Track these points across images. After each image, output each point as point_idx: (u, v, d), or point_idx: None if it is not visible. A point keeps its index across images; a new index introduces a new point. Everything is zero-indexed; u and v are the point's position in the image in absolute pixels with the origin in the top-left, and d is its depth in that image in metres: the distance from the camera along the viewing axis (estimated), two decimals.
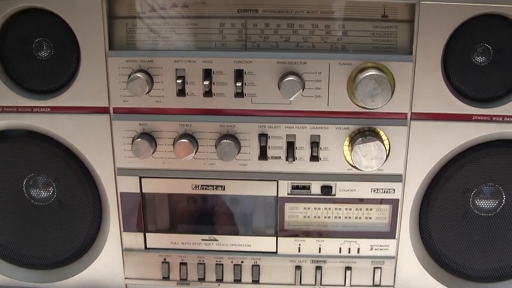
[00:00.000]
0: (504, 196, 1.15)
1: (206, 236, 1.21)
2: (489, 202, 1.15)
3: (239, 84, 1.09)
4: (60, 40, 1.10)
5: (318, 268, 1.21)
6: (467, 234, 1.17)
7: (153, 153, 1.13)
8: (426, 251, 1.20)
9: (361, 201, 1.16)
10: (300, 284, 1.22)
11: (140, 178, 1.17)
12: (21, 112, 1.14)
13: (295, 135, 1.12)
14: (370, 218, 1.18)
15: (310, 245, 1.20)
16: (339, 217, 1.18)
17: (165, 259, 1.23)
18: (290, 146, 1.13)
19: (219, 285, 1.24)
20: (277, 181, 1.16)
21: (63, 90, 1.13)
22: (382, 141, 1.08)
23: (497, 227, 1.16)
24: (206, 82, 1.09)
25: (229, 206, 1.20)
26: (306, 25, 1.09)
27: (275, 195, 1.17)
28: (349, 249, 1.20)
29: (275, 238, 1.21)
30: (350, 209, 1.17)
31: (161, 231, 1.22)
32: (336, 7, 1.08)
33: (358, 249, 1.20)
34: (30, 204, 1.21)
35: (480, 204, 1.16)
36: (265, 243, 1.21)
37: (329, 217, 1.18)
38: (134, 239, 1.22)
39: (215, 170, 1.15)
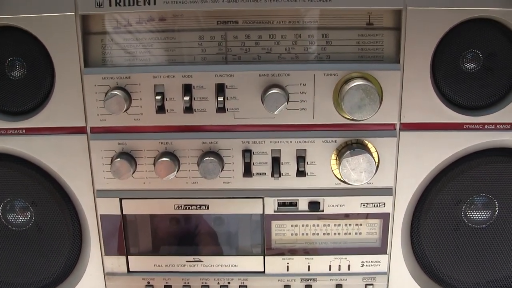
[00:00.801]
0: (497, 207, 1.09)
1: (190, 258, 1.15)
2: (481, 213, 1.09)
3: (220, 98, 1.03)
4: (33, 58, 1.03)
5: (308, 286, 1.15)
6: (460, 247, 1.11)
7: (133, 173, 1.06)
8: (418, 266, 1.14)
9: (347, 216, 1.10)
10: None
11: (121, 199, 1.10)
12: None
13: (280, 150, 1.06)
14: (360, 233, 1.12)
15: (298, 264, 1.14)
16: (328, 234, 1.12)
17: (148, 282, 1.16)
18: (276, 162, 1.06)
19: None
20: (263, 198, 1.09)
21: (37, 110, 1.06)
22: (371, 154, 1.02)
23: (491, 239, 1.10)
24: (186, 98, 1.03)
25: (213, 225, 1.14)
26: (288, 35, 1.03)
27: (261, 212, 1.11)
28: (339, 266, 1.14)
29: (262, 257, 1.14)
30: (339, 225, 1.11)
31: (144, 253, 1.15)
32: (319, 16, 1.02)
33: (349, 265, 1.13)
34: (8, 229, 1.13)
35: (472, 215, 1.09)
36: (252, 262, 1.15)
37: (317, 233, 1.12)
38: (116, 263, 1.15)
39: (198, 189, 1.09)
